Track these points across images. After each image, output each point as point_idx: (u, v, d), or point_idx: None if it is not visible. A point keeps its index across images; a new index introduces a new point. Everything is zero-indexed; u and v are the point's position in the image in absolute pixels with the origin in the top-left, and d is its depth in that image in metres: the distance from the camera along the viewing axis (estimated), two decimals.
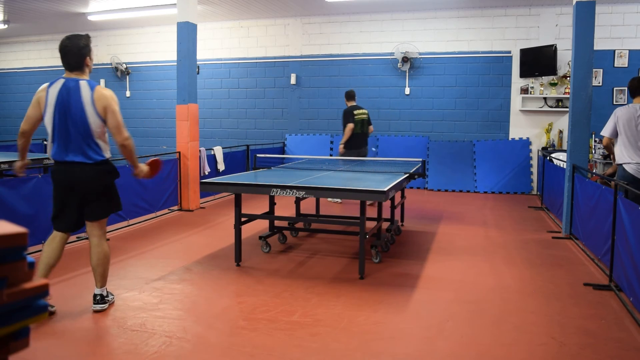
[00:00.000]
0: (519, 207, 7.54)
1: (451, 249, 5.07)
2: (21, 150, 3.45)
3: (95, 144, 3.18)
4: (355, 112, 7.37)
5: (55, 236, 3.32)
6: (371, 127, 7.60)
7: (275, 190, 4.06)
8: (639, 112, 4.83)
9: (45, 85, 3.21)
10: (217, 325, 3.13)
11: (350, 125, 7.25)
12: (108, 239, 5.25)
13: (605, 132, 5.03)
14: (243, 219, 4.53)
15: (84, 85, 3.12)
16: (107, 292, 3.44)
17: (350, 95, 7.64)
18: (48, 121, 3.20)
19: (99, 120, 3.14)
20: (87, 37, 3.25)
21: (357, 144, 7.38)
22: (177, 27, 6.99)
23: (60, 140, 3.18)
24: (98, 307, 3.32)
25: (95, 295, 3.35)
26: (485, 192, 8.96)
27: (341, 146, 7.42)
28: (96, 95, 3.12)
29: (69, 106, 3.11)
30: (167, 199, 6.73)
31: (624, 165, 4.79)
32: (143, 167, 3.43)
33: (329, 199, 7.65)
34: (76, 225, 3.36)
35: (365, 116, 7.45)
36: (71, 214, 3.29)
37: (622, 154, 4.82)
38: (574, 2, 5.56)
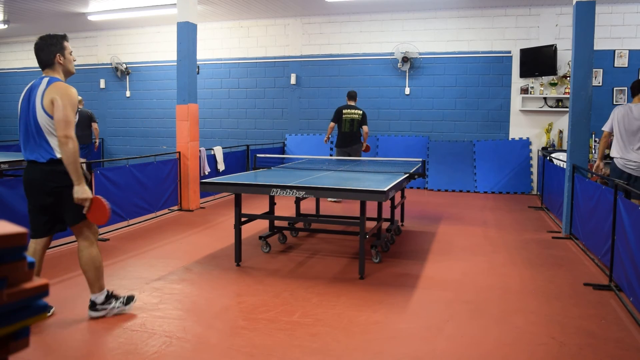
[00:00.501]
0: (519, 207, 7.54)
1: (451, 249, 5.07)
2: None
3: (46, 141, 3.00)
4: (345, 111, 7.55)
5: (30, 245, 3.16)
6: (365, 127, 7.61)
7: (275, 190, 4.06)
8: (632, 111, 5.04)
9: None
10: (217, 325, 3.13)
11: (331, 124, 7.58)
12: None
13: (605, 127, 5.40)
14: (243, 219, 4.53)
15: (44, 81, 3.04)
16: (110, 298, 3.25)
17: (349, 95, 7.80)
18: (18, 120, 3.16)
19: (45, 115, 2.96)
20: (62, 36, 3.18)
21: (344, 142, 7.61)
22: (177, 27, 6.99)
23: (21, 138, 3.11)
24: (92, 313, 3.22)
25: (90, 300, 3.25)
26: (485, 192, 8.96)
27: (325, 140, 7.95)
28: (48, 89, 2.97)
29: (27, 103, 3.05)
30: (167, 199, 6.74)
31: (614, 159, 5.22)
32: (84, 189, 3.00)
33: (328, 199, 7.70)
34: (47, 231, 3.17)
35: (356, 116, 7.55)
36: (38, 218, 3.13)
37: (614, 149, 5.26)
38: (574, 2, 5.56)
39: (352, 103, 7.72)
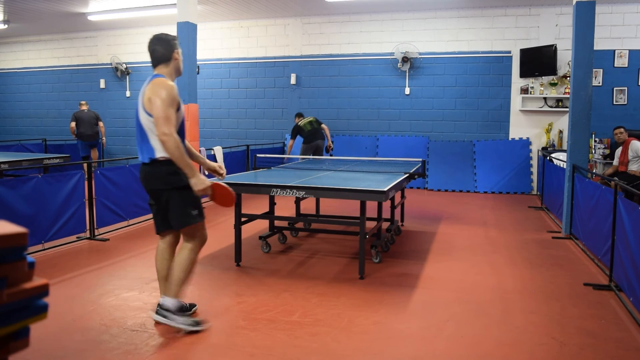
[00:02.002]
0: (519, 207, 7.54)
1: (451, 249, 5.07)
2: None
3: (148, 141, 2.92)
4: (301, 122, 8.49)
5: (159, 244, 3.16)
6: (323, 125, 8.54)
7: (275, 190, 4.06)
8: None
9: None
10: (217, 325, 3.13)
11: (290, 142, 8.63)
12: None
13: None
14: (243, 219, 4.53)
15: (149, 79, 2.95)
16: (179, 311, 3.00)
17: (297, 115, 8.85)
18: None
19: (145, 114, 2.88)
20: (174, 36, 3.10)
21: (310, 139, 8.38)
22: (177, 27, 6.99)
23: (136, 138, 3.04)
24: (155, 316, 3.02)
25: (158, 304, 3.06)
26: (485, 192, 8.96)
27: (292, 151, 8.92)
28: (147, 87, 2.89)
29: (137, 104, 2.99)
30: None
31: None
32: (200, 180, 2.89)
33: None
34: (162, 227, 3.12)
35: (311, 118, 8.55)
36: (155, 215, 3.12)
37: None
38: (574, 2, 5.56)
39: (301, 118, 8.70)
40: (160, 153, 2.90)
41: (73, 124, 9.65)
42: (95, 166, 8.20)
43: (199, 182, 2.89)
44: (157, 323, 3.11)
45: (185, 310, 3.14)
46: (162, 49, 3.02)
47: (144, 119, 2.90)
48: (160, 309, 3.02)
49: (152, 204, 3.10)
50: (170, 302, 2.99)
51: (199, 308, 3.42)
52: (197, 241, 3.06)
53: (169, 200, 2.97)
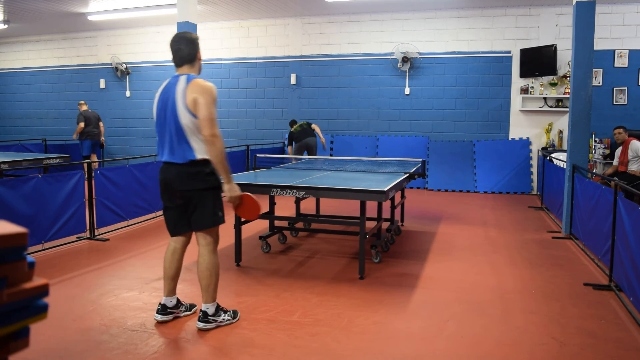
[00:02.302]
0: (519, 207, 7.54)
1: (451, 249, 5.07)
2: None
3: (187, 142, 2.89)
4: (292, 128, 8.87)
5: (170, 244, 3.14)
6: (313, 125, 8.82)
7: (275, 190, 4.06)
8: None
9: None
10: None
11: (289, 149, 8.96)
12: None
13: None
14: (243, 219, 4.53)
15: (181, 79, 2.92)
16: (219, 310, 3.09)
17: (291, 123, 9.14)
18: (154, 120, 3.06)
19: (188, 115, 2.85)
20: (197, 36, 3.10)
21: (300, 138, 8.68)
22: (177, 27, 6.98)
23: (159, 139, 3.01)
24: (200, 324, 3.04)
25: (200, 311, 3.08)
26: (485, 192, 8.96)
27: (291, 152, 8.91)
28: (189, 87, 2.86)
29: (164, 103, 2.93)
30: None
31: None
32: (234, 188, 2.98)
33: None
34: (181, 230, 3.10)
35: (302, 122, 8.87)
36: (173, 217, 3.07)
37: None
38: (574, 2, 5.56)
39: (295, 124, 8.99)
40: (200, 154, 2.91)
41: (82, 124, 9.51)
42: (96, 166, 8.21)
43: (233, 189, 3.00)
44: (158, 323, 3.12)
45: (220, 307, 3.14)
46: (187, 49, 3.00)
47: (186, 119, 2.86)
48: (207, 316, 3.04)
49: (170, 206, 3.05)
50: (211, 307, 3.06)
51: (199, 308, 3.42)
52: (216, 242, 3.10)
53: (202, 199, 2.97)
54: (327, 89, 10.05)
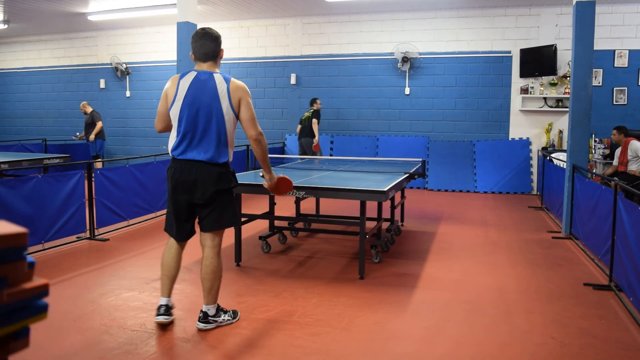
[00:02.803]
0: (519, 207, 7.54)
1: (451, 249, 5.07)
2: None
3: (225, 142, 2.91)
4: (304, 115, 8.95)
5: (172, 245, 3.09)
6: (313, 120, 8.79)
7: None
8: None
9: (175, 76, 2.98)
10: None
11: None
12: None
13: None
14: (243, 219, 4.53)
15: (217, 77, 2.90)
16: (219, 311, 3.09)
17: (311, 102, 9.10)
18: (174, 115, 2.92)
19: (233, 115, 2.89)
20: (218, 33, 3.05)
21: (300, 136, 8.95)
22: (177, 27, 6.98)
23: (185, 136, 2.90)
24: (200, 325, 3.03)
25: (201, 311, 3.07)
26: (485, 192, 8.96)
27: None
28: (232, 88, 2.89)
29: (199, 99, 2.85)
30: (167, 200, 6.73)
31: None
32: (274, 176, 3.20)
33: None
34: (190, 233, 3.09)
35: (308, 113, 8.90)
36: (181, 220, 3.02)
37: None
38: (574, 2, 5.56)
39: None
40: (231, 155, 2.99)
41: (101, 123, 9.65)
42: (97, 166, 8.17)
43: (273, 177, 3.22)
44: (159, 325, 3.09)
45: (220, 308, 3.13)
46: (212, 45, 2.95)
47: (231, 120, 2.89)
48: (207, 317, 3.04)
49: (183, 207, 2.97)
50: (211, 309, 3.06)
51: (199, 308, 3.41)
52: (220, 244, 3.10)
53: (225, 199, 3.00)
54: (327, 89, 10.04)
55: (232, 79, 2.93)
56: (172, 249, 3.10)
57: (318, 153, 8.86)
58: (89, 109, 9.79)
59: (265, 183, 3.22)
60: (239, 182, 3.50)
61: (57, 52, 12.01)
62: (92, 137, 9.55)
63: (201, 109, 2.86)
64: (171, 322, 3.12)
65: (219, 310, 3.11)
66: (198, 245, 3.13)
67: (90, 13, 9.68)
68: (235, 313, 3.20)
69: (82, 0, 8.89)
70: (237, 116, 2.91)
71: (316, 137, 8.70)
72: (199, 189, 2.91)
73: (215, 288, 3.04)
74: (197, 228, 3.12)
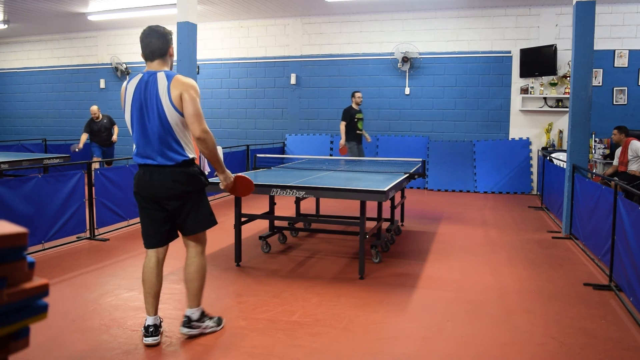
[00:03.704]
0: (519, 207, 7.54)
1: (451, 249, 5.07)
2: None
3: (177, 142, 2.76)
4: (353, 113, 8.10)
5: (150, 257, 2.91)
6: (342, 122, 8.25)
7: (275, 190, 4.06)
8: None
9: (125, 82, 2.87)
10: None
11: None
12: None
13: None
14: (243, 219, 4.53)
15: (160, 76, 2.73)
16: (203, 316, 2.98)
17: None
18: (127, 121, 2.82)
19: (176, 113, 2.71)
20: (170, 30, 2.89)
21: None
22: (177, 27, 6.99)
23: (140, 141, 2.80)
24: (184, 330, 2.92)
25: (184, 316, 2.96)
26: (485, 192, 8.96)
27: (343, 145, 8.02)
28: (173, 84, 2.70)
29: (145, 102, 2.73)
30: None
31: None
32: (229, 175, 3.01)
33: None
34: (168, 239, 2.94)
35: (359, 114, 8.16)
36: (157, 226, 2.87)
37: None
38: (574, 2, 5.56)
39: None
40: (191, 153, 2.82)
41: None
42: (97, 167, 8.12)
43: (228, 176, 3.01)
44: (147, 346, 2.92)
45: (204, 314, 3.02)
46: (158, 42, 2.78)
47: (174, 117, 2.71)
48: (191, 322, 2.93)
49: (155, 214, 2.84)
50: (195, 312, 2.95)
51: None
52: (204, 244, 3.01)
53: (198, 201, 2.87)
54: (327, 89, 10.04)
55: (177, 76, 2.72)
56: (150, 261, 2.91)
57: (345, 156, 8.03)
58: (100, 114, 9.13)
59: (221, 184, 3.03)
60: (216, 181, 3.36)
61: (57, 52, 12.01)
62: (115, 137, 9.03)
63: (146, 111, 2.74)
64: (158, 344, 2.87)
65: (204, 315, 3.00)
66: (210, 240, 3.07)
67: (90, 13, 9.68)
68: (220, 320, 3.09)
69: (82, 0, 8.88)
70: (181, 113, 2.72)
71: (342, 139, 7.96)
72: (164, 193, 2.78)
73: (199, 289, 2.94)
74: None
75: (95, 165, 8.33)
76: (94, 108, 8.89)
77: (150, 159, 2.80)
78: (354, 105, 8.05)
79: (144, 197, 2.85)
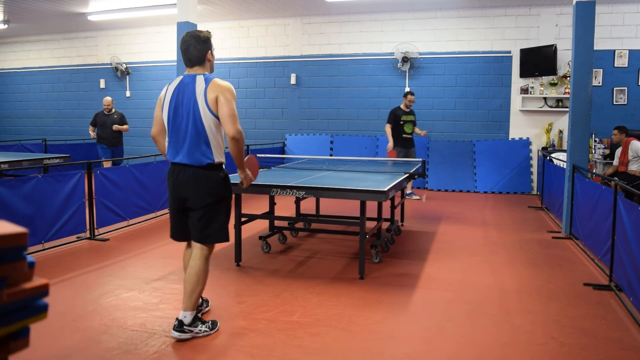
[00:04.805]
0: (519, 207, 7.54)
1: (451, 249, 5.07)
2: (163, 153, 3.15)
3: (207, 144, 2.86)
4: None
5: (185, 250, 3.12)
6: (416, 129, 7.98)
7: (275, 190, 4.06)
8: None
9: (167, 83, 3.02)
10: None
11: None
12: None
13: None
14: (243, 219, 4.53)
15: (198, 79, 2.85)
16: (196, 320, 2.95)
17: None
18: (164, 120, 2.95)
19: (211, 115, 2.82)
20: (208, 32, 3.01)
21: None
22: (177, 27, 6.98)
23: (172, 140, 2.93)
24: (175, 334, 2.88)
25: (176, 319, 2.93)
26: (485, 192, 8.96)
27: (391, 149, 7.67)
28: (210, 87, 2.81)
29: (181, 102, 2.86)
30: (167, 199, 6.72)
31: None
32: (248, 174, 3.14)
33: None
34: (186, 237, 3.06)
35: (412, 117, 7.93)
36: (180, 221, 3.02)
37: None
38: (574, 2, 5.56)
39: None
40: (218, 157, 2.91)
41: None
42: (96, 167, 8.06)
43: (248, 177, 3.17)
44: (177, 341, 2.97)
45: (198, 318, 3.00)
46: (195, 49, 2.91)
47: (208, 119, 2.82)
48: (182, 326, 2.90)
49: (177, 210, 2.99)
50: (188, 316, 2.92)
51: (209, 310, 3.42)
52: (211, 250, 3.03)
53: (213, 213, 2.91)
54: (327, 89, 10.04)
55: (215, 79, 2.85)
56: (187, 251, 3.12)
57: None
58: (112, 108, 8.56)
59: (241, 183, 3.16)
60: (236, 182, 3.37)
61: (57, 52, 12.01)
62: (118, 127, 8.35)
63: (183, 112, 2.86)
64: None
65: (197, 319, 2.97)
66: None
67: (90, 13, 9.68)
68: (214, 324, 3.05)
69: (82, 0, 8.88)
70: (216, 116, 2.83)
71: (389, 143, 7.63)
72: (189, 192, 2.90)
73: (196, 293, 2.92)
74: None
75: (107, 164, 8.12)
76: (108, 99, 8.44)
77: (179, 158, 2.91)
78: (402, 107, 7.70)
79: (171, 191, 3.02)
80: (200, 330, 2.96)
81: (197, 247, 2.98)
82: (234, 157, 2.95)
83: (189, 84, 2.86)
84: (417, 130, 7.91)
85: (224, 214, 2.99)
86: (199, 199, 2.90)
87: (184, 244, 3.18)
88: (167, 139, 2.98)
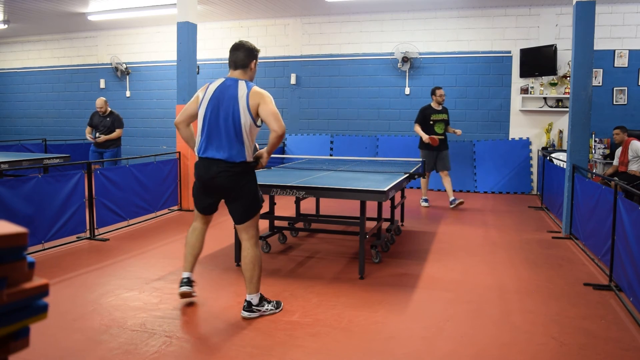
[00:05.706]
0: (519, 207, 7.54)
1: (451, 249, 5.07)
2: (187, 141, 3.46)
3: (242, 143, 3.15)
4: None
5: (195, 228, 3.43)
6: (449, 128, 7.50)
7: (275, 190, 4.06)
8: None
9: (208, 82, 3.33)
10: (217, 325, 3.13)
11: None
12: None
13: None
14: None
15: (241, 84, 3.16)
16: (262, 300, 3.28)
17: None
18: (200, 115, 3.21)
19: (250, 118, 3.13)
20: (254, 46, 3.37)
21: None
22: (177, 27, 6.99)
23: (206, 136, 3.17)
24: (245, 313, 3.23)
25: (245, 301, 3.26)
26: (485, 192, 8.96)
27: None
28: (252, 95, 3.11)
29: (221, 102, 3.13)
30: (167, 199, 6.73)
31: None
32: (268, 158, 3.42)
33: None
34: (211, 211, 3.40)
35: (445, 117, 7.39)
36: (205, 200, 3.34)
37: None
38: (574, 2, 5.56)
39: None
40: (249, 157, 3.19)
41: None
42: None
43: (266, 162, 3.42)
44: (182, 295, 3.40)
45: (264, 298, 3.32)
46: (243, 56, 3.25)
47: (246, 120, 3.11)
48: (251, 306, 3.22)
49: (204, 196, 3.29)
50: (255, 298, 3.23)
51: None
52: (257, 235, 3.30)
53: (246, 191, 3.19)
54: (327, 89, 10.04)
55: (255, 87, 3.15)
56: (195, 231, 3.43)
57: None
58: (108, 109, 8.07)
59: (260, 163, 3.36)
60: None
61: (57, 52, 12.01)
62: (103, 138, 7.98)
63: (221, 112, 3.11)
64: (191, 295, 3.42)
65: (263, 299, 3.27)
66: (210, 241, 3.12)
67: (90, 13, 9.68)
68: (278, 303, 3.36)
69: (82, 0, 8.88)
70: (254, 120, 3.12)
71: (423, 136, 7.09)
72: (218, 185, 3.15)
73: (255, 277, 3.20)
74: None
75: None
76: (101, 100, 7.91)
77: (211, 153, 3.14)
78: (433, 105, 7.22)
79: (200, 185, 3.27)
80: (267, 309, 3.27)
81: (243, 238, 3.25)
82: (270, 145, 3.24)
83: (231, 86, 3.14)
84: (450, 129, 7.32)
85: (255, 190, 3.26)
86: (234, 193, 3.16)
87: (184, 239, 3.49)
88: (200, 134, 3.20)
